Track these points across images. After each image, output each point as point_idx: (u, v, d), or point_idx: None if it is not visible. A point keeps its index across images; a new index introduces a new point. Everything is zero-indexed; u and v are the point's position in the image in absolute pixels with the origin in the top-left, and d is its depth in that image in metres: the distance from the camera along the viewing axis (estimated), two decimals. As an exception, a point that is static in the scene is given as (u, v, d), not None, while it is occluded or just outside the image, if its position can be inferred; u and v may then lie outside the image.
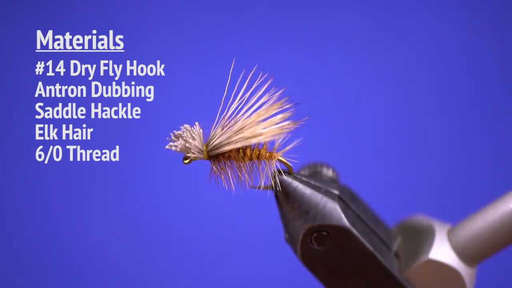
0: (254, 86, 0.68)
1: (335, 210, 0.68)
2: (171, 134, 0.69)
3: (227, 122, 0.68)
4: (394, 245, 0.73)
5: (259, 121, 0.67)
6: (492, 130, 1.49)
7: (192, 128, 0.68)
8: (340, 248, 0.68)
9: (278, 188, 0.68)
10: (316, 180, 0.70)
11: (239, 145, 0.67)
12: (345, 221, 0.67)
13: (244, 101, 0.68)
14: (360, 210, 0.71)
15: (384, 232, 0.73)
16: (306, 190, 0.68)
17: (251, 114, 0.68)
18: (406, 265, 0.71)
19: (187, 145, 0.67)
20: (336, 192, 0.69)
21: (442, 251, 0.70)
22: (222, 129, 0.67)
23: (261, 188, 0.68)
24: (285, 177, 0.68)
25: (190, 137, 0.67)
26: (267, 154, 0.69)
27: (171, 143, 0.68)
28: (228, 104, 0.68)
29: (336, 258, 0.68)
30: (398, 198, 1.47)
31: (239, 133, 0.67)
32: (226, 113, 0.68)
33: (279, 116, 0.67)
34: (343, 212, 0.68)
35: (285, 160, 0.69)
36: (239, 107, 0.68)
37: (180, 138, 0.68)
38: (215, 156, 0.68)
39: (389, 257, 0.71)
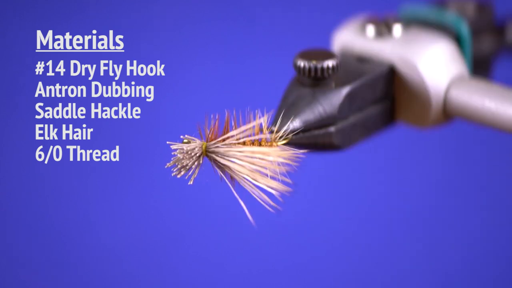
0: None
1: None
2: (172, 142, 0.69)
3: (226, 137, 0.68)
4: None
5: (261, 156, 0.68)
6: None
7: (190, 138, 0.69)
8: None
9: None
10: None
11: (236, 138, 0.68)
12: None
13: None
14: None
15: None
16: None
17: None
18: None
19: (186, 149, 0.68)
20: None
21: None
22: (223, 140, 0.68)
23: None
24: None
25: (188, 160, 0.68)
26: (267, 144, 0.69)
27: (175, 144, 0.69)
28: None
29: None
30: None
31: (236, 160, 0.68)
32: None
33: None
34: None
35: (285, 151, 0.69)
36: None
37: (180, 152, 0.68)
38: (213, 150, 0.69)
39: None
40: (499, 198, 1.48)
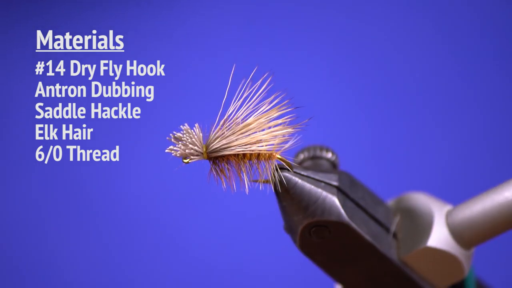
0: (254, 88, 0.68)
1: (334, 205, 0.68)
2: (170, 135, 0.69)
3: (227, 125, 0.68)
4: (393, 225, 0.74)
5: (259, 127, 0.67)
6: (496, 115, 1.48)
7: (192, 130, 0.68)
8: (339, 240, 0.68)
9: (277, 187, 0.68)
10: (315, 171, 0.70)
11: (238, 150, 0.67)
12: (344, 216, 0.68)
13: (245, 104, 0.68)
14: (359, 195, 0.72)
15: (384, 212, 0.74)
16: (305, 186, 0.69)
17: (251, 117, 0.68)
18: (404, 250, 0.72)
19: (186, 150, 0.68)
20: (335, 183, 0.69)
21: (440, 237, 0.71)
22: (222, 132, 0.67)
23: (261, 182, 0.69)
24: (284, 174, 0.68)
25: (190, 141, 0.67)
26: (267, 154, 0.69)
27: (171, 147, 0.68)
28: (229, 106, 0.68)
29: (335, 248, 0.69)
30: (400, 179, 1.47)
31: (239, 139, 0.67)
32: (226, 115, 0.68)
33: (280, 122, 0.68)
34: (342, 206, 0.68)
35: (284, 158, 0.69)
36: (240, 110, 0.68)
37: (179, 141, 0.68)
38: (214, 158, 0.68)
39: (388, 240, 0.71)
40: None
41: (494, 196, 0.72)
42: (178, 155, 0.68)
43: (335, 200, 0.69)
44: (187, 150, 0.67)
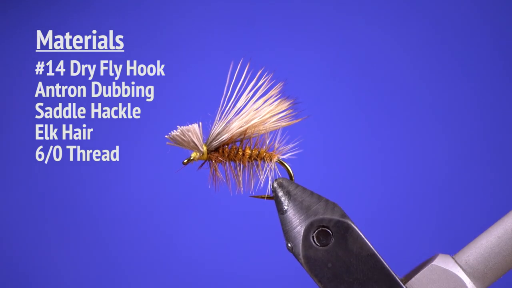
0: (253, 82, 0.69)
1: (336, 207, 0.69)
2: (169, 133, 0.69)
3: (226, 114, 0.68)
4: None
5: (257, 110, 0.68)
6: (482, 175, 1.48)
7: (192, 125, 0.69)
8: (342, 246, 0.68)
9: (278, 189, 0.68)
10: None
11: (237, 132, 0.68)
12: (346, 217, 0.69)
13: (244, 96, 0.69)
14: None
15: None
16: (307, 190, 0.69)
17: (250, 105, 0.68)
18: (409, 278, 0.71)
19: (185, 138, 0.68)
20: (335, 203, 0.70)
21: (447, 261, 0.70)
22: (221, 120, 0.68)
23: (264, 198, 0.69)
24: (285, 179, 0.69)
25: (191, 135, 0.68)
26: (267, 154, 0.69)
27: (169, 134, 0.69)
28: (227, 100, 0.69)
29: (339, 258, 0.68)
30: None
31: (237, 120, 0.68)
32: (225, 107, 0.68)
33: (278, 104, 0.68)
34: (344, 212, 0.69)
35: (285, 163, 0.69)
36: (238, 102, 0.69)
37: (180, 134, 0.68)
38: (215, 150, 0.69)
39: (392, 271, 0.71)
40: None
41: (502, 225, 0.69)
42: (176, 134, 0.68)
43: (338, 205, 0.69)
44: (185, 138, 0.68)
